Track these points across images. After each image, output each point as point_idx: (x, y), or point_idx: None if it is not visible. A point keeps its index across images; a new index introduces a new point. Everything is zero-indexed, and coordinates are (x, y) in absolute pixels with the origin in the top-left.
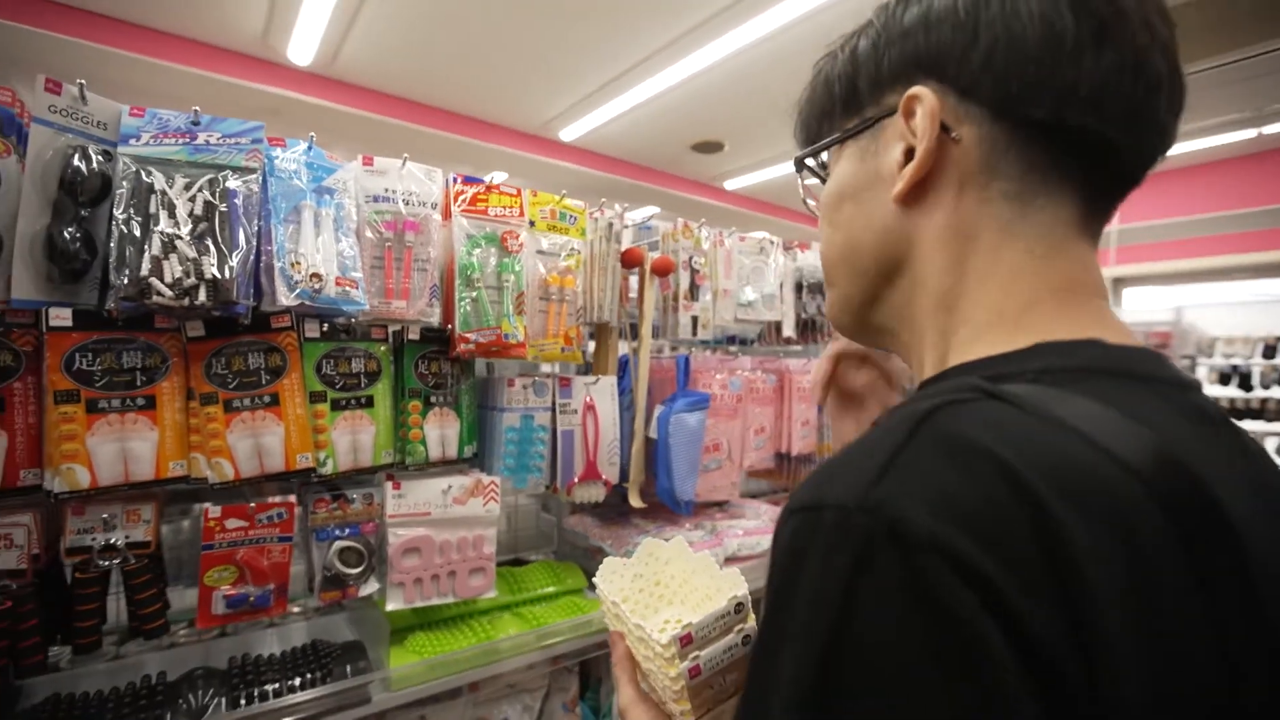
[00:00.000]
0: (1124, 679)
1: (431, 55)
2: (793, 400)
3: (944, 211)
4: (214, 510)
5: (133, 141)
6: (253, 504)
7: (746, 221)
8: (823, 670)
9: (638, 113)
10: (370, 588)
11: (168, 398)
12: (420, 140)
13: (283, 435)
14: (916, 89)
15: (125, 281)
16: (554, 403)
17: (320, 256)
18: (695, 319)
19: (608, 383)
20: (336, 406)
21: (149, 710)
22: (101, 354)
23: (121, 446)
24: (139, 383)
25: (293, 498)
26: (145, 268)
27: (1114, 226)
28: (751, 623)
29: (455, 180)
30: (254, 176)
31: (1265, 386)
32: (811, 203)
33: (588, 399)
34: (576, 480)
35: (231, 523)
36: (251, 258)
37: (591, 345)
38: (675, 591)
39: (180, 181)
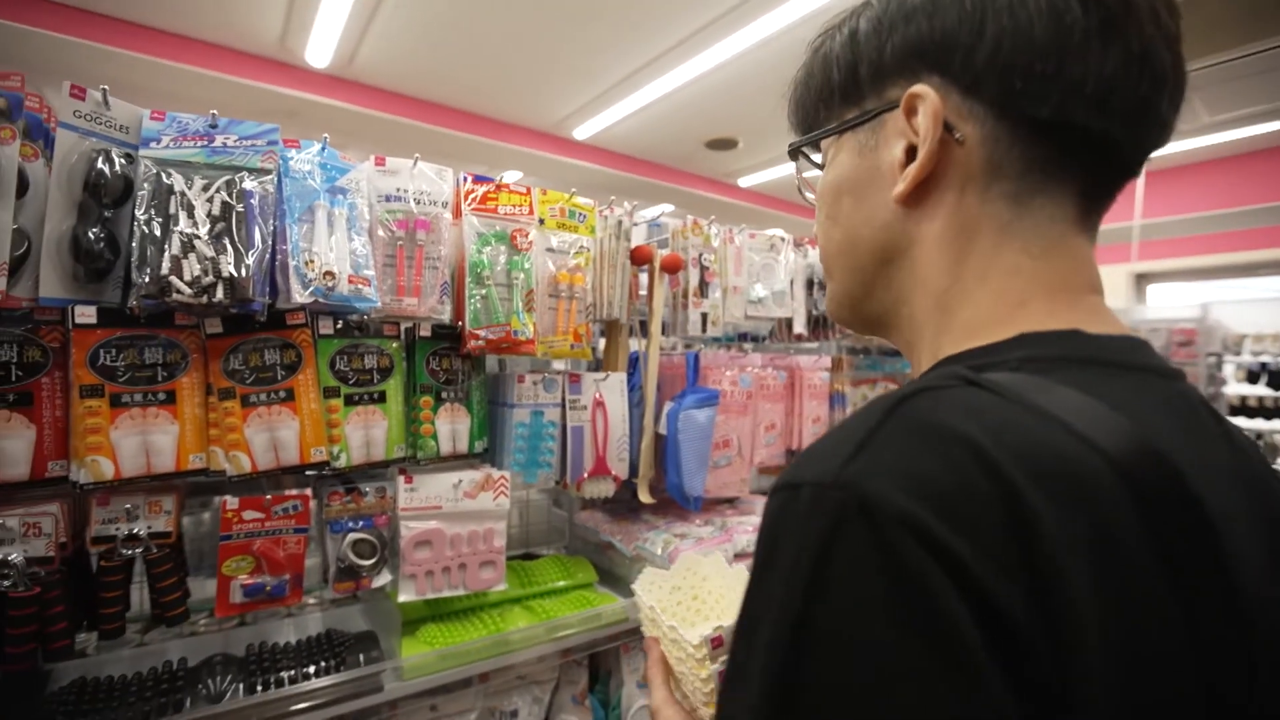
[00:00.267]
0: (1091, 657)
1: (446, 56)
2: (803, 397)
3: (945, 212)
4: (232, 502)
5: (153, 144)
6: (269, 496)
7: (761, 218)
8: (795, 637)
9: (651, 110)
10: (383, 579)
11: (187, 392)
12: (436, 140)
13: (298, 429)
14: (919, 88)
15: (146, 280)
16: (564, 399)
17: (333, 255)
18: (705, 316)
19: (617, 379)
20: (350, 402)
21: (170, 694)
22: (125, 350)
23: (143, 439)
24: (160, 378)
25: (308, 491)
26: (165, 266)
27: (1136, 221)
28: None
29: (466, 179)
30: (269, 177)
31: None
32: (809, 194)
33: (597, 395)
34: (586, 475)
35: (248, 514)
36: (267, 256)
37: (602, 342)
38: (712, 607)
39: (199, 183)
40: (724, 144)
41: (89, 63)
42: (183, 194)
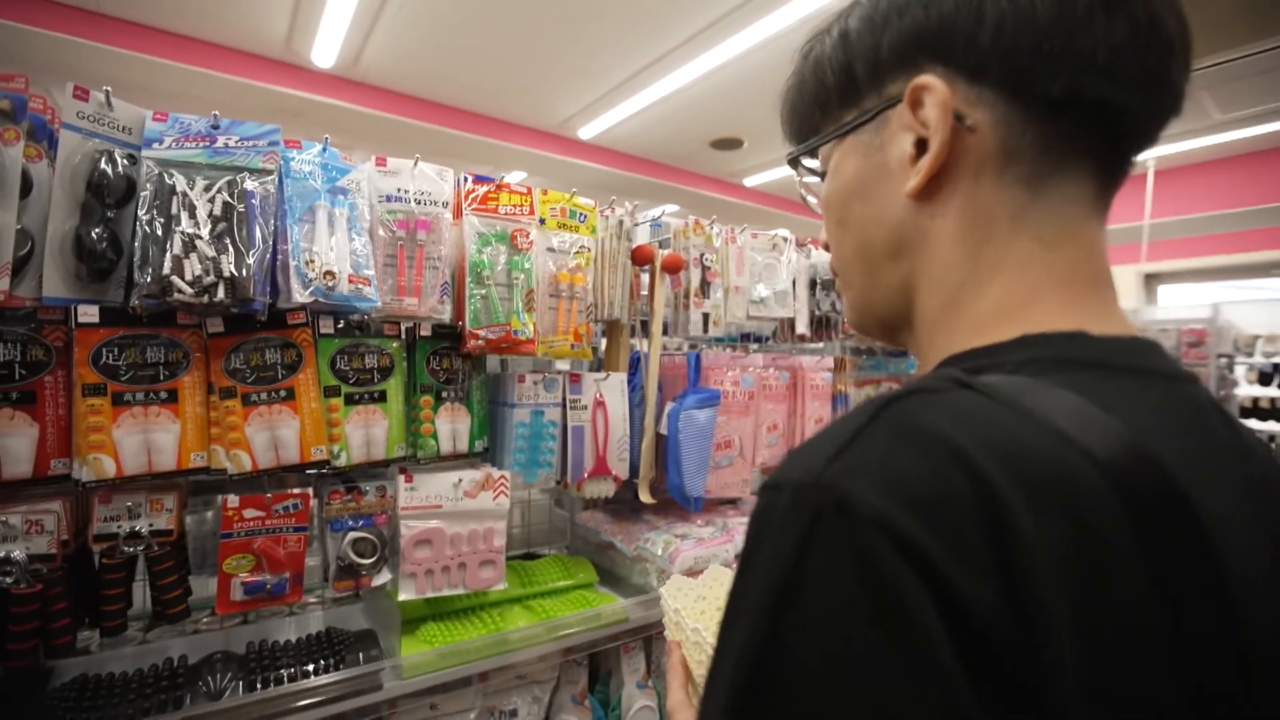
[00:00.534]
0: (1065, 657)
1: (451, 56)
2: (806, 398)
3: (959, 202)
4: (232, 500)
5: (156, 145)
6: (269, 495)
7: (767, 218)
8: (769, 633)
9: (656, 110)
10: (383, 578)
11: (189, 391)
12: (441, 140)
13: (298, 428)
14: (923, 79)
15: (148, 279)
16: (564, 398)
17: (334, 255)
18: (707, 316)
19: (618, 379)
20: (350, 401)
21: (170, 691)
22: (127, 349)
23: (145, 438)
24: (162, 377)
25: (308, 489)
26: (167, 266)
27: (1146, 221)
28: None
29: (466, 179)
30: (270, 178)
31: None
32: (812, 200)
33: (598, 395)
34: (586, 476)
35: (249, 512)
36: (268, 256)
37: (604, 342)
38: None
39: (200, 183)
40: (729, 144)
41: (98, 64)
42: (185, 194)
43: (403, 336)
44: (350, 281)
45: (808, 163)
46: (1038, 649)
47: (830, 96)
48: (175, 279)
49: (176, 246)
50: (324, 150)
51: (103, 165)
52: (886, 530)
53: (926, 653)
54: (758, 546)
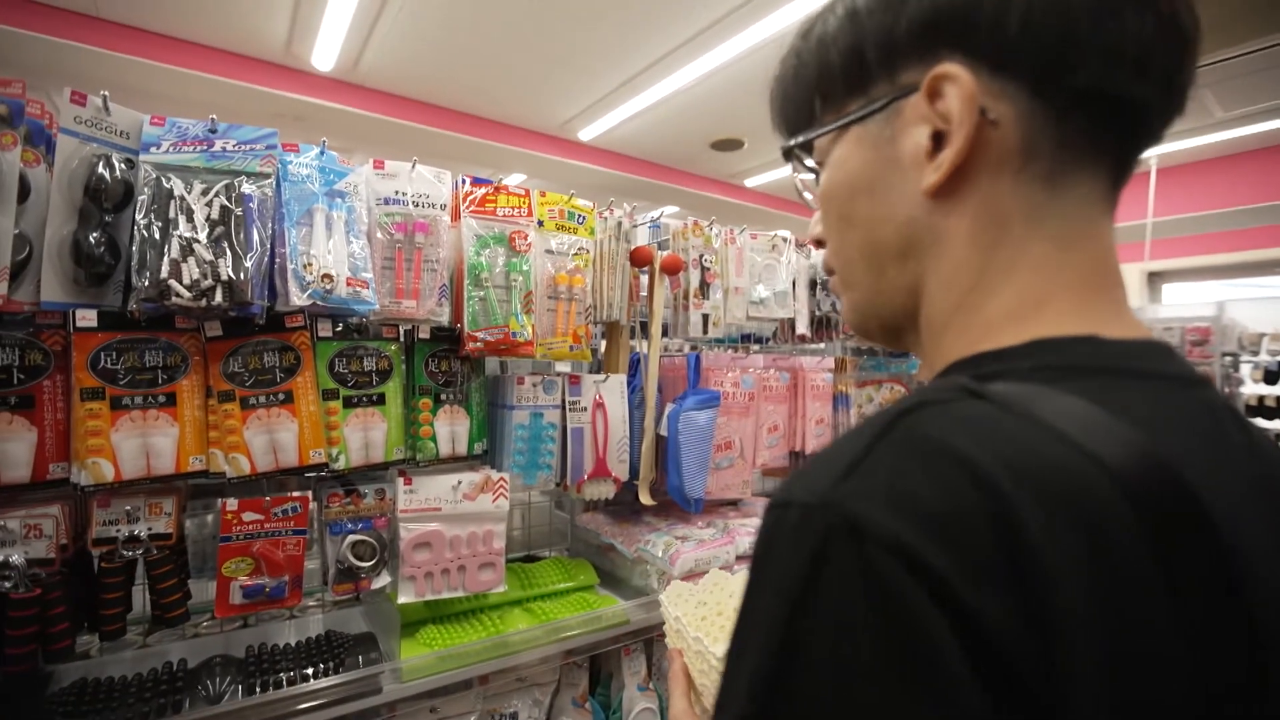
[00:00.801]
0: (1081, 676)
1: (451, 59)
2: (806, 398)
3: (977, 200)
4: (231, 504)
5: (153, 149)
6: (268, 498)
7: (768, 219)
8: (779, 657)
9: (656, 111)
10: (382, 581)
11: (187, 395)
12: (441, 143)
13: (297, 431)
14: (947, 68)
15: (146, 283)
16: (563, 400)
17: (332, 258)
18: (706, 317)
19: (617, 380)
20: (349, 404)
21: (169, 695)
22: (125, 353)
23: (144, 442)
24: (160, 381)
25: (307, 493)
26: (165, 270)
27: (1149, 219)
28: None
29: (464, 181)
30: (268, 181)
31: None
32: (809, 195)
33: (597, 397)
34: (586, 477)
35: (248, 516)
36: (265, 260)
37: (603, 344)
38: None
39: (198, 187)
40: (729, 145)
41: (96, 68)
42: (182, 198)
43: (401, 339)
44: (348, 284)
45: (802, 154)
46: (1056, 665)
47: (834, 81)
48: (173, 283)
49: (174, 250)
50: (321, 153)
51: (100, 170)
52: (897, 550)
53: (940, 672)
54: (766, 566)
